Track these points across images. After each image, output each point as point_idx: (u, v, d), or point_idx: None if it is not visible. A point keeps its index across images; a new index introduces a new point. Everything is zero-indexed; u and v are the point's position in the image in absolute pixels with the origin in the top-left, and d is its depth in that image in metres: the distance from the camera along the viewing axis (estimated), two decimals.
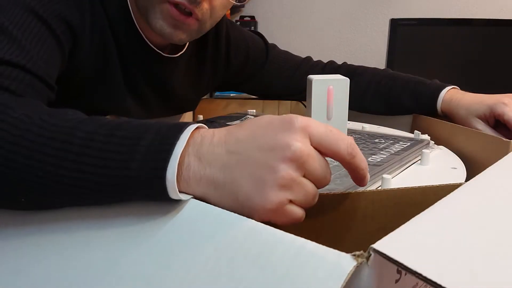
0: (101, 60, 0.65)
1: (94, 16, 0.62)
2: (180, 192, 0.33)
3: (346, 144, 0.34)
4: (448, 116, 0.79)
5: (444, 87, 0.80)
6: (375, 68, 0.92)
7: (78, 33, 0.60)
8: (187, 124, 0.35)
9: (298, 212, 0.33)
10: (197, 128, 0.35)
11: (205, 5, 0.61)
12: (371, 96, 0.88)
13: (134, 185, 0.33)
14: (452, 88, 0.81)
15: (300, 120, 0.33)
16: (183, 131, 0.34)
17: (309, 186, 0.34)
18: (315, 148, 0.34)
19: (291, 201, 0.33)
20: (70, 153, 0.34)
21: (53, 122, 0.36)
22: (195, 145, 0.34)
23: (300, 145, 0.32)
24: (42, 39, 0.54)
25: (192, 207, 0.34)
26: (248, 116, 0.89)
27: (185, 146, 0.33)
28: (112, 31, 0.65)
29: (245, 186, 0.32)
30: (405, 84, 0.85)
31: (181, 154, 0.33)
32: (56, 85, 0.56)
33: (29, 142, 0.35)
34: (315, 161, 0.33)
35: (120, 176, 0.33)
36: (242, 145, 0.33)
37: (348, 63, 0.95)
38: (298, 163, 0.32)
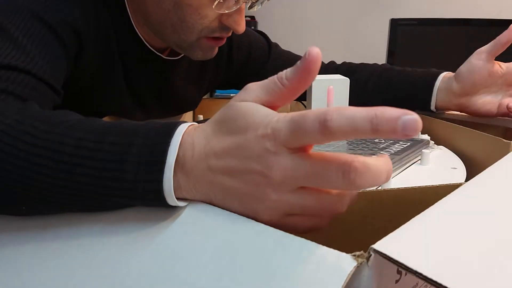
0: (104, 63, 0.66)
1: (98, 20, 0.62)
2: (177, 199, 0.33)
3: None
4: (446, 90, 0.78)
5: (442, 72, 0.81)
6: (375, 64, 0.92)
7: (83, 37, 0.60)
8: (175, 127, 0.32)
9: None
10: (189, 127, 0.33)
11: None
12: (372, 89, 0.88)
13: (131, 196, 0.32)
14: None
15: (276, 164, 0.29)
16: (173, 135, 0.32)
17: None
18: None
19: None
20: (62, 162, 0.33)
21: (43, 129, 0.35)
22: (179, 161, 0.32)
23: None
24: (47, 44, 0.54)
25: (193, 208, 0.34)
26: None
27: (177, 151, 0.31)
28: (115, 35, 0.65)
29: (236, 210, 0.32)
30: (403, 71, 0.86)
31: (174, 161, 0.31)
32: (62, 89, 0.56)
33: (21, 152, 0.34)
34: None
35: (115, 188, 0.32)
36: (221, 164, 0.31)
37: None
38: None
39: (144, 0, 0.62)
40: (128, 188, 0.32)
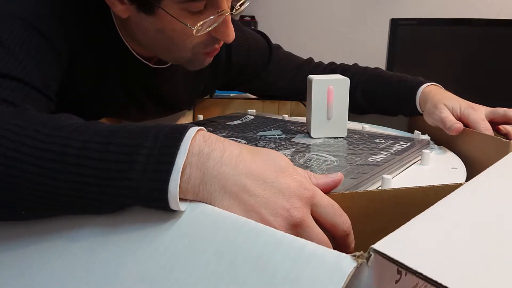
0: (96, 71, 0.65)
1: (90, 29, 0.62)
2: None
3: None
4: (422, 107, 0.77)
5: (424, 82, 0.79)
6: (365, 68, 0.91)
7: (76, 46, 0.60)
8: (185, 129, 0.34)
9: None
10: (198, 131, 0.35)
11: None
12: (358, 96, 0.88)
13: (135, 195, 0.33)
14: (433, 84, 0.79)
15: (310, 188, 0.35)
16: (182, 139, 0.33)
17: None
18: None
19: None
20: (67, 164, 0.33)
21: (47, 132, 0.35)
22: (200, 156, 0.33)
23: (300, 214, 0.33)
24: (40, 52, 0.54)
25: (192, 210, 0.34)
26: (248, 116, 0.88)
27: (187, 154, 0.33)
28: (104, 44, 0.65)
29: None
30: (389, 84, 0.84)
31: (183, 164, 0.32)
32: (55, 97, 0.56)
33: (24, 155, 0.34)
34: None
35: (120, 187, 0.32)
36: (250, 183, 0.33)
37: (349, 63, 0.95)
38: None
39: (130, 26, 0.61)
40: (133, 187, 0.32)
